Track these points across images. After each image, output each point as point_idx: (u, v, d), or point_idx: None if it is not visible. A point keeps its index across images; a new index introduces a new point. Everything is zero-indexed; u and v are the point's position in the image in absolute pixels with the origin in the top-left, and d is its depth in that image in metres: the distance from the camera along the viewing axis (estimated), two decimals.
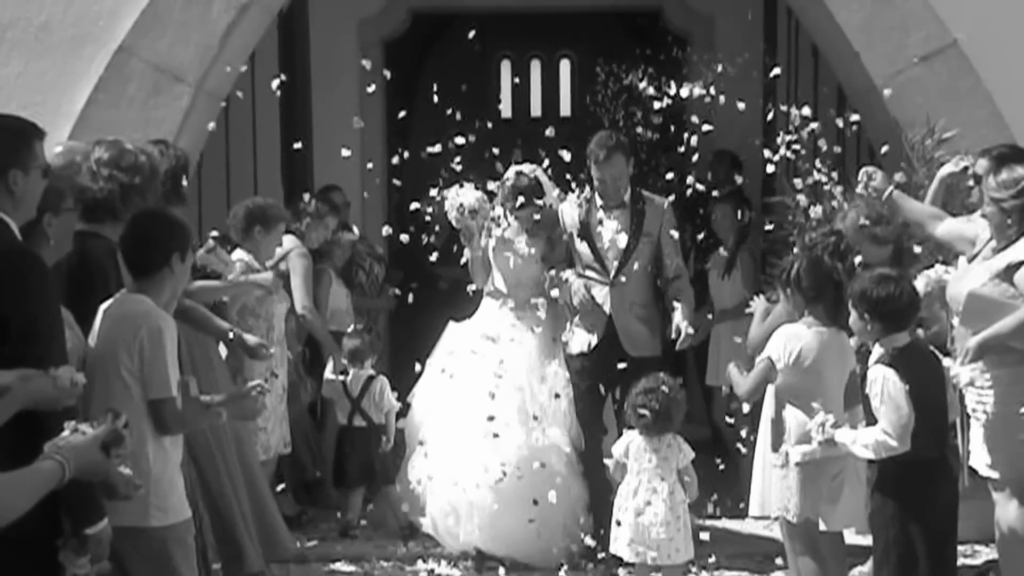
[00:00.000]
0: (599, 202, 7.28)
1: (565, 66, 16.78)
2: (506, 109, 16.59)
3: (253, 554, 6.45)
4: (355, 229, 9.01)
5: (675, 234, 7.32)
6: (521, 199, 7.32)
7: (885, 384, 5.33)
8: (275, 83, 7.26)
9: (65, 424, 3.50)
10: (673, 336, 7.07)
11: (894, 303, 5.39)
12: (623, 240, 7.21)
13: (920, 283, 6.36)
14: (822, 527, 5.86)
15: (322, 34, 9.83)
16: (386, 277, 9.41)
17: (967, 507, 7.31)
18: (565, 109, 16.53)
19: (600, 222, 7.27)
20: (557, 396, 7.20)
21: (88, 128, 7.40)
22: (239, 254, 7.39)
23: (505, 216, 7.44)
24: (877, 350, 5.50)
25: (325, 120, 9.74)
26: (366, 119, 10.76)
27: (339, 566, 7.42)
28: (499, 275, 7.56)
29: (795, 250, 6.46)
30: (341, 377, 7.92)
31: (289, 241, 7.96)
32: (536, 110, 16.75)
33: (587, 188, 7.38)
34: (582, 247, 7.29)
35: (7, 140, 4.05)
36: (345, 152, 7.89)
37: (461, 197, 7.38)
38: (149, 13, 7.87)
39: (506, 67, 16.77)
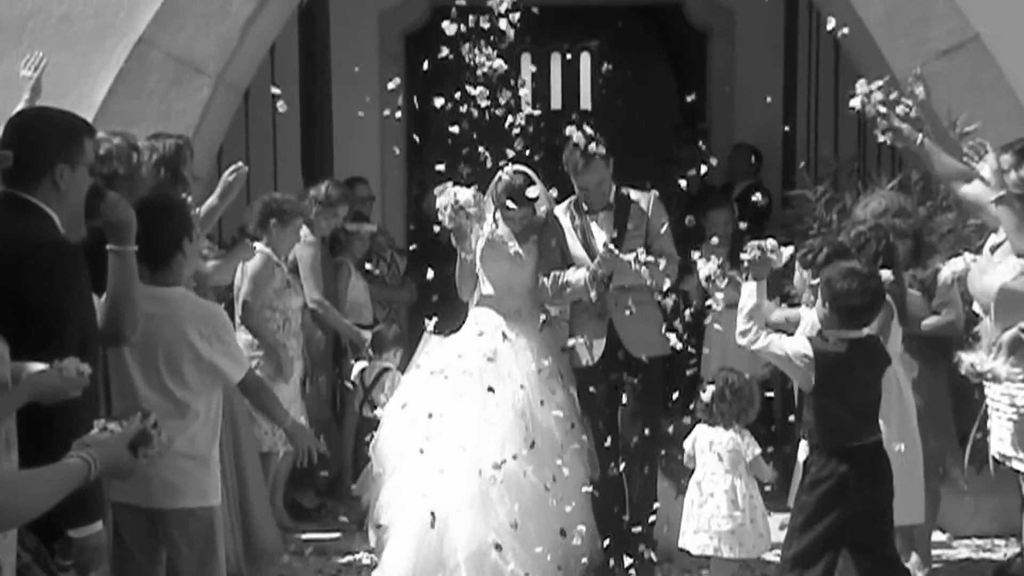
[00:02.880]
0: (584, 207, 6.92)
1: (586, 59, 16.76)
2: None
3: (231, 555, 6.52)
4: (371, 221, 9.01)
5: (664, 225, 6.87)
6: (512, 199, 6.87)
7: (801, 353, 5.35)
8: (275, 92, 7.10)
9: (95, 423, 3.48)
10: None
11: (854, 299, 5.30)
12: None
13: (946, 272, 6.35)
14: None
15: (343, 26, 9.83)
16: (407, 270, 9.40)
17: (986, 501, 7.33)
18: (586, 102, 16.51)
19: (588, 226, 6.90)
20: (573, 426, 6.73)
21: (109, 119, 7.40)
22: (258, 246, 7.42)
23: (494, 217, 7.00)
24: (829, 334, 5.44)
25: (345, 112, 9.73)
26: (386, 111, 10.77)
27: (359, 558, 7.43)
28: (488, 283, 7.04)
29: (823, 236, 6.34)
30: (361, 366, 7.96)
31: None
32: (556, 103, 16.73)
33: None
34: (579, 253, 6.86)
35: (58, 135, 4.10)
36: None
37: (455, 194, 6.86)
38: (169, 5, 7.89)
39: (526, 60, 16.76)
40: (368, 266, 8.69)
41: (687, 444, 6.53)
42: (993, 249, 6.14)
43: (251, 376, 5.08)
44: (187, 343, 4.78)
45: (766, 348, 5.50)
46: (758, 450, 6.38)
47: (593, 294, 6.71)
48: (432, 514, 6.43)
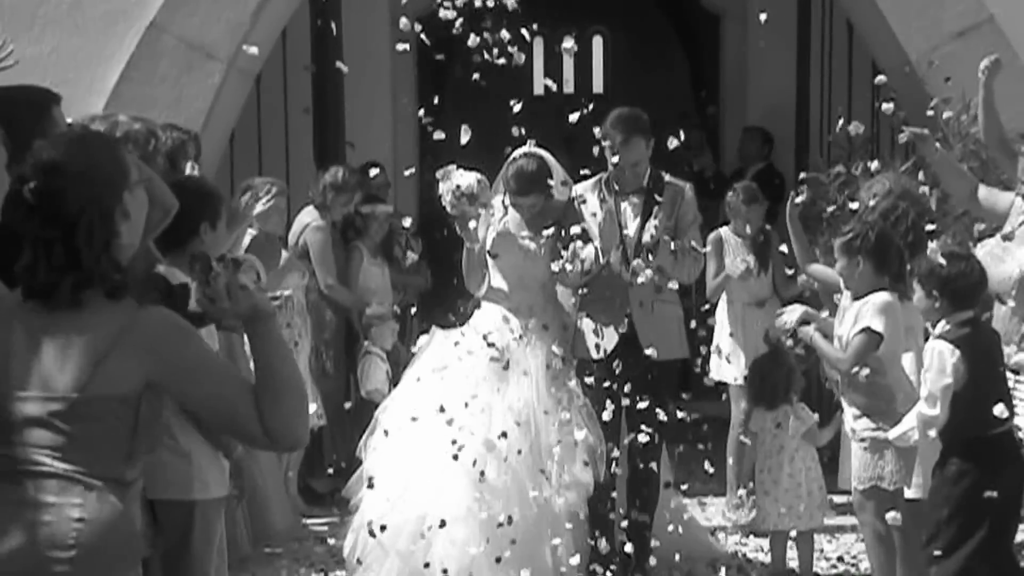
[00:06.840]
0: (615, 187, 6.53)
1: (598, 43, 16.74)
2: (538, 86, 16.57)
3: (242, 536, 6.49)
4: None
5: (695, 220, 6.58)
6: (521, 185, 6.46)
7: (936, 355, 5.23)
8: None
9: None
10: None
11: (964, 280, 5.29)
12: (635, 228, 6.45)
13: (978, 254, 6.34)
14: (912, 494, 5.68)
15: (354, 10, 9.82)
16: (422, 255, 9.37)
17: None
18: (598, 86, 16.51)
19: (618, 206, 6.51)
20: (580, 425, 6.31)
21: (121, 105, 7.41)
22: (250, 231, 7.42)
23: (504, 204, 6.59)
24: (940, 327, 5.34)
25: (357, 97, 9.73)
26: (398, 96, 10.77)
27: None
28: (498, 275, 6.60)
29: (861, 220, 6.25)
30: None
31: (307, 215, 8.00)
32: (569, 87, 16.72)
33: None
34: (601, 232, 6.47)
35: (26, 113, 3.99)
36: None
37: (457, 179, 6.41)
38: None
39: (538, 43, 16.74)
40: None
41: (751, 425, 6.82)
42: (1005, 237, 6.11)
43: None
44: None
45: (936, 405, 5.24)
46: (813, 419, 6.53)
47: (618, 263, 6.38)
48: (423, 522, 6.10)
